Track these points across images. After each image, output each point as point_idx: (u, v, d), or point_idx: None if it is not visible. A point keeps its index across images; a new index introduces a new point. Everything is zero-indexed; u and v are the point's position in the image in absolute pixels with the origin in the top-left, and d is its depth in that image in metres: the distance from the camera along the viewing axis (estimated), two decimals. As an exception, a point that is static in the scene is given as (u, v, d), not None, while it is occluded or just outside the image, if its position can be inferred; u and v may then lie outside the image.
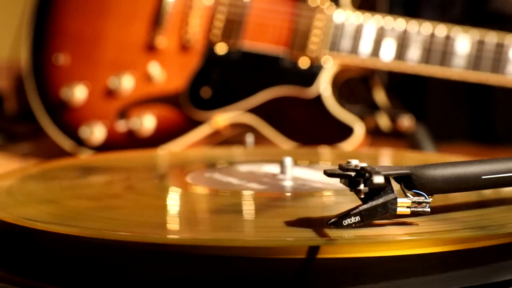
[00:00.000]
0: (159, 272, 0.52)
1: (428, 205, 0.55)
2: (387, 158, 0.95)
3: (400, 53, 1.14)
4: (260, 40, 1.18)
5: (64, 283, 0.54)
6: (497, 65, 1.12)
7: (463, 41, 1.12)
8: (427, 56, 1.13)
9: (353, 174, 0.52)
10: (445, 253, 0.52)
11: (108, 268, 0.53)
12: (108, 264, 0.53)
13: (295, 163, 0.78)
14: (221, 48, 1.19)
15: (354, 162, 0.53)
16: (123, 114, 1.18)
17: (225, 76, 1.19)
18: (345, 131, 1.15)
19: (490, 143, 1.16)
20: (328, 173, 0.54)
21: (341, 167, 0.53)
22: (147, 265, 0.52)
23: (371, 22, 1.15)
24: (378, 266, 0.51)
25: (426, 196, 0.55)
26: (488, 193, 0.63)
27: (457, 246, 0.52)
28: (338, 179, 0.54)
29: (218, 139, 1.20)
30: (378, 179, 0.51)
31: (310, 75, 1.16)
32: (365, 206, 0.53)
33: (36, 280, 0.54)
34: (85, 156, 1.13)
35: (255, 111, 1.18)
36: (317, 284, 0.50)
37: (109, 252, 0.53)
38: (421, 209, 0.55)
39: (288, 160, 0.77)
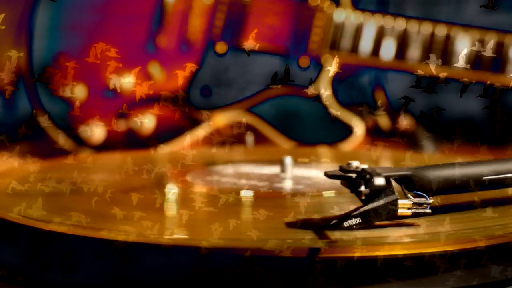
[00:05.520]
0: (157, 270, 0.52)
1: (429, 206, 0.55)
2: (387, 158, 0.95)
3: (400, 52, 1.14)
4: (260, 40, 1.17)
5: (62, 280, 0.54)
6: (497, 64, 1.12)
7: (463, 40, 1.12)
8: (427, 55, 1.13)
9: (354, 175, 0.52)
10: (446, 254, 0.52)
11: (107, 265, 0.53)
12: (106, 260, 0.53)
13: (295, 162, 0.78)
14: (221, 48, 1.18)
15: (355, 164, 0.53)
16: (123, 113, 1.18)
17: (225, 75, 1.19)
18: (345, 131, 1.15)
19: (490, 144, 1.16)
20: (329, 175, 0.54)
21: (341, 169, 0.53)
22: (143, 262, 0.52)
23: (371, 22, 1.15)
24: (379, 267, 0.51)
25: (427, 197, 0.55)
26: (488, 193, 0.62)
27: (458, 247, 0.52)
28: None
29: (218, 138, 1.20)
30: (379, 181, 0.51)
31: (310, 75, 1.16)
32: (365, 208, 0.53)
33: (36, 278, 0.55)
34: (85, 156, 1.13)
35: (255, 110, 1.18)
36: (318, 286, 0.50)
37: (108, 249, 0.53)
38: (422, 210, 0.55)
39: (288, 160, 0.77)
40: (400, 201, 0.54)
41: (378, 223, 0.54)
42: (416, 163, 0.63)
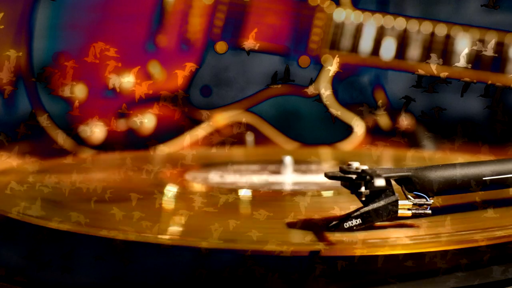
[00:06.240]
0: (156, 270, 0.52)
1: (429, 206, 0.55)
2: (387, 157, 0.95)
3: (400, 52, 1.14)
4: (260, 39, 1.17)
5: (61, 280, 0.54)
6: (497, 64, 1.12)
7: (463, 40, 1.12)
8: (427, 55, 1.13)
9: (354, 176, 0.52)
10: (446, 254, 0.52)
11: (106, 266, 0.53)
12: (105, 261, 0.53)
13: (295, 162, 0.78)
14: (221, 47, 1.18)
15: (355, 165, 0.53)
16: (123, 113, 1.18)
17: (225, 75, 1.19)
18: (345, 131, 1.15)
19: (491, 143, 1.16)
20: (329, 176, 0.54)
21: (342, 170, 0.53)
22: (143, 263, 0.52)
23: (371, 21, 1.15)
24: (379, 268, 0.51)
25: (427, 198, 0.55)
26: (489, 194, 0.62)
27: (458, 247, 0.52)
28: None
29: (218, 138, 1.20)
30: (379, 182, 0.51)
31: (310, 74, 1.16)
32: (366, 209, 0.53)
33: (35, 278, 0.55)
34: (84, 155, 1.13)
35: (255, 110, 1.18)
36: (318, 286, 0.50)
37: (107, 249, 0.53)
38: (422, 211, 0.55)
39: (288, 159, 0.77)
40: (400, 202, 0.54)
41: (378, 224, 0.54)
42: (416, 163, 0.63)
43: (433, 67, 1.13)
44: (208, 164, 0.85)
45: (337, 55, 1.16)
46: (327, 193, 0.68)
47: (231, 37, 1.18)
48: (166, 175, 0.80)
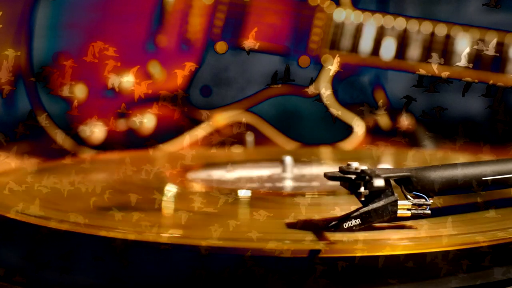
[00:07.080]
0: (156, 271, 0.52)
1: (428, 207, 0.54)
2: (387, 157, 0.95)
3: (400, 52, 1.14)
4: (260, 39, 1.17)
5: (60, 280, 0.54)
6: (497, 64, 1.12)
7: (463, 39, 1.12)
8: (427, 55, 1.13)
9: (353, 177, 0.52)
10: (445, 254, 0.52)
11: (105, 266, 0.53)
12: (104, 261, 0.53)
13: (295, 162, 0.78)
14: (221, 47, 1.18)
15: (354, 165, 0.53)
16: (123, 113, 1.18)
17: (225, 75, 1.19)
18: (346, 130, 1.15)
19: (493, 143, 1.15)
20: (329, 176, 0.54)
21: (341, 170, 0.53)
22: (142, 263, 0.52)
23: (371, 21, 1.15)
24: (380, 269, 0.50)
25: (427, 198, 0.55)
26: (490, 195, 0.62)
27: (459, 248, 0.52)
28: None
29: (218, 138, 1.20)
30: (379, 182, 0.51)
31: (310, 74, 1.16)
32: (365, 209, 0.53)
33: (34, 279, 0.54)
34: (84, 155, 1.13)
35: (255, 110, 1.17)
36: (318, 287, 0.50)
37: (106, 250, 0.53)
38: (421, 211, 0.54)
39: (288, 159, 0.76)
40: (400, 202, 0.54)
41: (378, 224, 0.54)
42: (415, 162, 0.63)
43: (434, 66, 1.12)
44: (208, 164, 0.85)
45: (337, 55, 1.16)
46: (327, 194, 0.68)
47: (231, 37, 1.18)
48: (166, 175, 0.80)
